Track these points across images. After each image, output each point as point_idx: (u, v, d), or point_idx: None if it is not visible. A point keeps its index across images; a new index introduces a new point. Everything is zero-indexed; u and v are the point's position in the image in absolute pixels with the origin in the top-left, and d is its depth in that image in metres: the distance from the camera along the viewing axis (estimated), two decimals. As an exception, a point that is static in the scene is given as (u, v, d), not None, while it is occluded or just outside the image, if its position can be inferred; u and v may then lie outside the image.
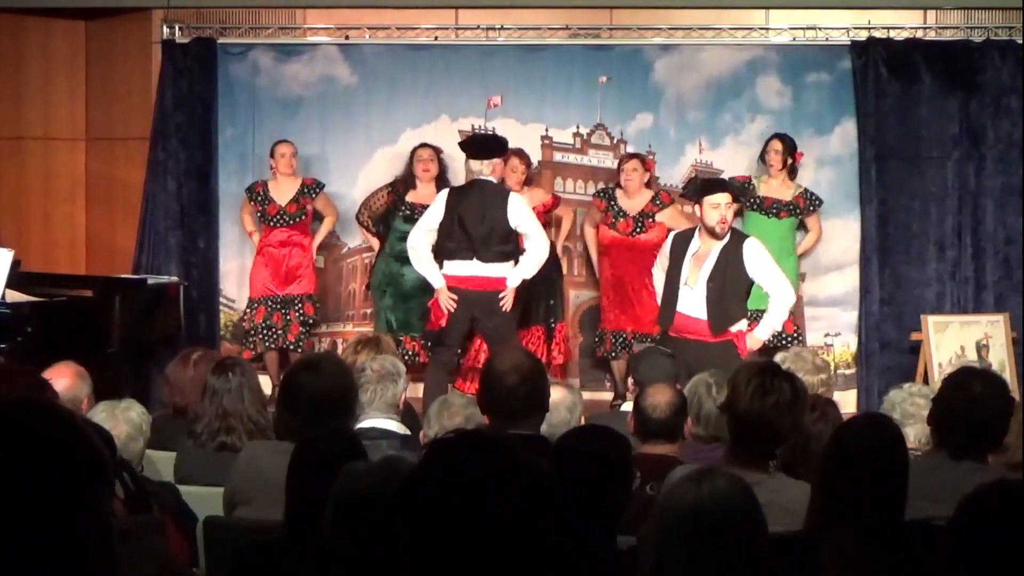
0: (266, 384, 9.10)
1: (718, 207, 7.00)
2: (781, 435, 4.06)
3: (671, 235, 7.49)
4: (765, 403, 4.01)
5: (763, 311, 8.66)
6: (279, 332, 9.09)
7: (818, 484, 3.57)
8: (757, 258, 7.07)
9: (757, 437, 4.04)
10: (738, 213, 7.76)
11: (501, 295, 7.82)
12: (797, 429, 4.14)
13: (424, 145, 9.08)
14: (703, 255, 7.10)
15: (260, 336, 9.07)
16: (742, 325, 7.14)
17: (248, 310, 9.15)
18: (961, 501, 2.18)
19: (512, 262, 7.88)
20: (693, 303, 7.10)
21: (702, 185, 7.66)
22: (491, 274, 7.86)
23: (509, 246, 7.88)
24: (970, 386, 4.29)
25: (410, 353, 8.90)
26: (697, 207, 7.20)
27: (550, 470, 1.92)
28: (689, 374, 7.02)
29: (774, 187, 8.95)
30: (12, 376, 5.02)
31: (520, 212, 7.84)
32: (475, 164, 8.03)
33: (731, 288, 7.09)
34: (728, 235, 7.06)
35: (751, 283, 7.11)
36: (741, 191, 8.02)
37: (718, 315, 7.05)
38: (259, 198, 9.08)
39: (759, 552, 2.55)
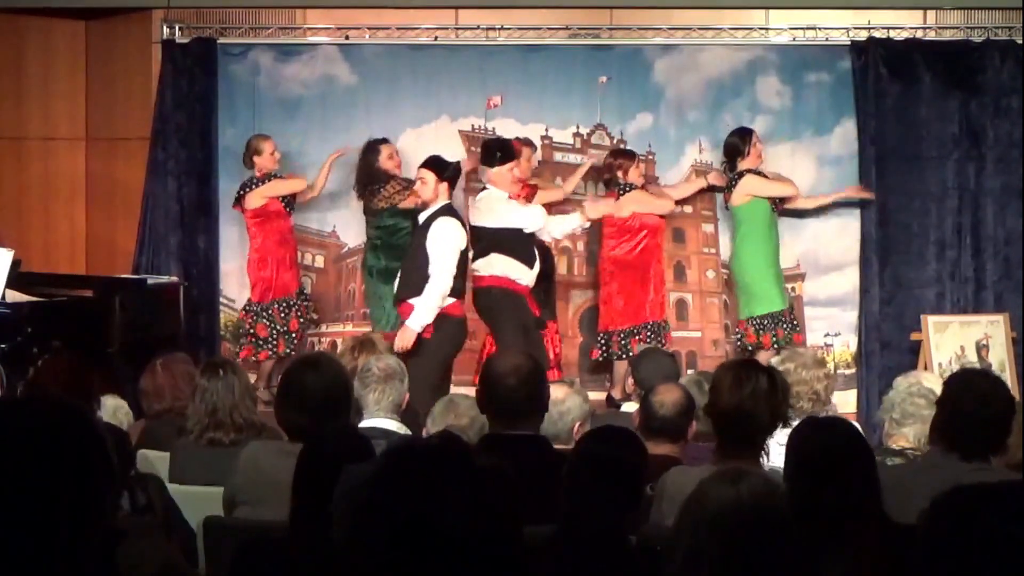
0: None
1: None
2: (761, 426, 4.08)
3: None
4: (742, 393, 4.04)
5: (771, 315, 8.74)
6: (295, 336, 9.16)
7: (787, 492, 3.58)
8: (432, 239, 7.49)
9: (738, 429, 4.07)
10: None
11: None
12: (780, 420, 4.15)
13: (387, 141, 9.06)
14: None
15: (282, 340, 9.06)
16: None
17: (282, 313, 9.08)
18: (924, 510, 2.18)
19: (492, 255, 8.08)
20: None
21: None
22: (473, 270, 8.18)
23: (481, 244, 8.12)
24: (978, 386, 4.32)
25: None
26: None
27: (510, 477, 1.91)
28: None
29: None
30: (59, 371, 5.07)
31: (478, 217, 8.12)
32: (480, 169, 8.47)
33: (410, 257, 7.59)
34: (435, 208, 7.55)
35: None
36: (442, 167, 7.89)
37: (398, 283, 7.65)
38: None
39: (792, 553, 2.53)
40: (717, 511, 2.44)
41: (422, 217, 7.68)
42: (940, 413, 4.38)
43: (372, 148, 8.98)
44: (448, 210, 7.64)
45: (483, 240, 8.13)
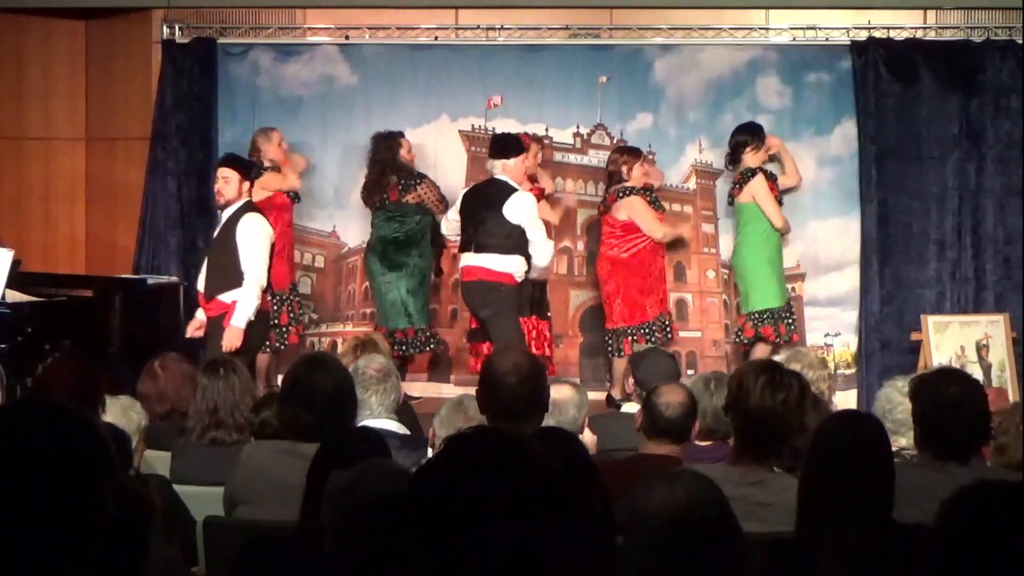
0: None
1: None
2: (788, 432, 4.06)
3: None
4: (775, 399, 4.02)
5: (770, 310, 8.73)
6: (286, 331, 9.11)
7: (802, 484, 3.57)
8: (243, 236, 7.52)
9: (766, 434, 4.03)
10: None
11: None
12: (802, 428, 4.13)
13: (403, 135, 9.04)
14: None
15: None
16: (237, 295, 7.49)
17: (274, 306, 9.06)
18: (944, 503, 2.17)
19: (515, 256, 8.08)
20: None
21: None
22: (481, 264, 8.14)
23: (507, 241, 8.08)
24: (946, 393, 4.22)
25: (412, 343, 8.97)
26: None
27: (563, 472, 1.91)
28: None
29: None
30: (66, 372, 5.07)
31: (517, 210, 8.08)
32: (488, 162, 8.34)
33: (216, 255, 7.62)
34: (238, 205, 7.56)
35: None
36: (247, 166, 8.05)
37: (205, 280, 7.68)
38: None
39: (731, 553, 2.51)
40: (655, 513, 2.44)
41: (225, 214, 7.71)
42: (918, 429, 4.32)
43: (395, 141, 8.96)
44: (251, 207, 7.72)
45: (479, 235, 8.16)
